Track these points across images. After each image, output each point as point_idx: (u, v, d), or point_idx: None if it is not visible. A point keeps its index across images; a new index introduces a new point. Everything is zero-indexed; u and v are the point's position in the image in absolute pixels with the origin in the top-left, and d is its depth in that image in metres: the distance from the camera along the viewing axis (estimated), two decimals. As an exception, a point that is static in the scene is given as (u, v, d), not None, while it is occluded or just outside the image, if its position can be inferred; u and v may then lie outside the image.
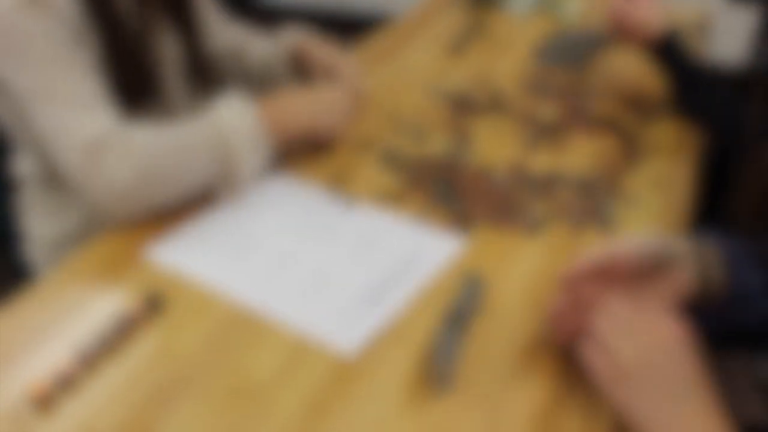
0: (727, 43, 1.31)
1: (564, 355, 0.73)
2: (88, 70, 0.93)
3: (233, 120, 0.93)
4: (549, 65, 1.33)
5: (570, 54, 1.34)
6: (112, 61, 0.98)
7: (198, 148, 0.91)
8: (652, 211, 0.95)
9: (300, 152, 1.07)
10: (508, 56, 1.38)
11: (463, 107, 1.19)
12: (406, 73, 1.34)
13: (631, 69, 1.26)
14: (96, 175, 0.88)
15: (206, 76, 1.15)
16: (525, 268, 0.85)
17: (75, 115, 0.89)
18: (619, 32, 1.17)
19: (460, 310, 0.77)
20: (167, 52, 1.08)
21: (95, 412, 0.69)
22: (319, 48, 1.17)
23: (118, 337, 0.76)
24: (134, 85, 1.02)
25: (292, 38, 1.20)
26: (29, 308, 0.82)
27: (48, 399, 0.70)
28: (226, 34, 1.23)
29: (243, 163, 0.93)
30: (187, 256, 0.88)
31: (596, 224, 0.92)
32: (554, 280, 0.83)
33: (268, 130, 0.95)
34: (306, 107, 1.03)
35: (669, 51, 1.12)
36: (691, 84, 1.11)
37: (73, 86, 0.91)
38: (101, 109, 0.91)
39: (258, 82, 1.24)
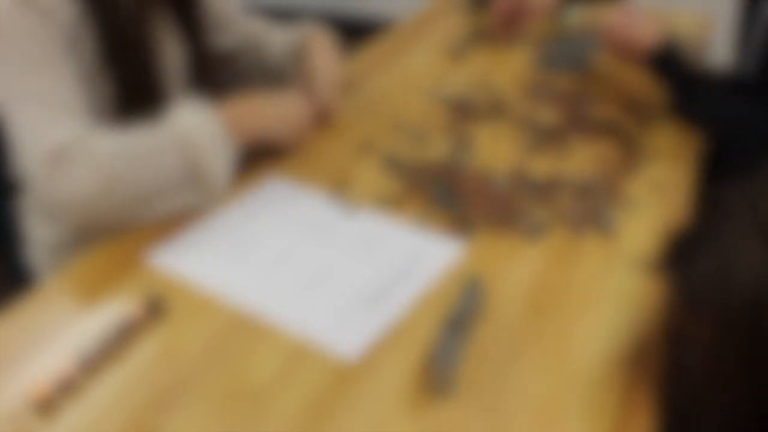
0: (726, 48, 1.31)
1: (564, 358, 0.74)
2: (70, 75, 0.92)
3: (194, 123, 0.92)
4: (549, 70, 1.33)
5: (570, 59, 1.35)
6: (111, 64, 0.98)
7: (162, 154, 0.89)
8: (652, 215, 0.95)
9: (300, 156, 1.07)
10: (509, 61, 1.38)
11: (464, 111, 1.20)
12: (406, 77, 1.34)
13: (631, 74, 1.26)
14: (58, 184, 0.87)
15: (210, 78, 1.15)
16: (525, 273, 0.86)
17: (44, 120, 0.89)
18: (614, 50, 1.17)
19: (460, 314, 0.77)
20: (170, 53, 1.08)
21: (96, 416, 0.69)
22: (316, 50, 1.17)
23: (119, 342, 0.76)
24: (134, 88, 1.02)
25: (303, 34, 1.20)
26: (31, 312, 0.82)
27: (49, 403, 0.70)
28: (243, 27, 1.22)
29: (210, 165, 0.92)
30: (188, 260, 0.88)
31: (596, 229, 0.92)
32: (554, 284, 0.83)
33: (229, 131, 0.95)
34: (263, 111, 1.02)
35: (666, 64, 1.11)
36: (691, 94, 1.11)
37: (49, 90, 0.90)
38: (73, 115, 0.90)
39: (276, 76, 1.24)
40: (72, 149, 0.87)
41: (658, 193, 0.99)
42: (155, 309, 0.80)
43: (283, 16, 1.38)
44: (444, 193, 0.98)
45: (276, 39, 1.23)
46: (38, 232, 1.10)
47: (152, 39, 1.04)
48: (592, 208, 0.96)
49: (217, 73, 1.17)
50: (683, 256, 0.60)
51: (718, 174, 1.14)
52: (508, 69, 1.35)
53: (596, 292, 0.83)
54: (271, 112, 1.04)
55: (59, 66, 0.92)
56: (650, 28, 1.12)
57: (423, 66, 1.38)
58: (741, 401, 0.54)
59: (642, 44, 1.12)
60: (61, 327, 0.80)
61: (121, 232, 0.92)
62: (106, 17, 0.96)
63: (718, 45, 1.34)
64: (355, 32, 1.81)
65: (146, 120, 0.95)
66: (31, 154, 0.89)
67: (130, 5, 1.00)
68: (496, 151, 1.08)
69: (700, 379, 0.57)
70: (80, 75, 0.95)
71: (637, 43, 1.12)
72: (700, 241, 0.58)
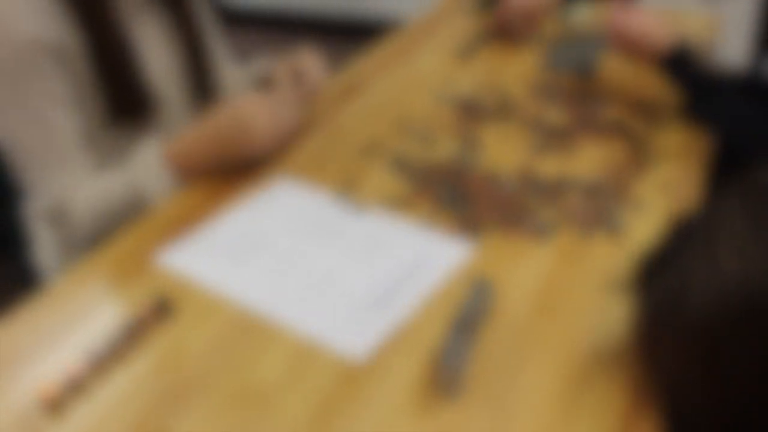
0: (734, 47, 1.31)
1: (572, 360, 0.73)
2: (68, 112, 0.98)
3: (151, 176, 0.98)
4: (557, 70, 1.33)
5: (578, 59, 1.34)
6: (102, 77, 1.00)
7: (120, 207, 0.99)
8: (660, 216, 0.95)
9: (308, 157, 1.07)
10: (516, 61, 1.38)
11: (472, 112, 1.20)
12: (414, 77, 1.34)
13: (639, 74, 1.26)
14: (45, 238, 1.07)
15: (208, 86, 1.15)
16: (533, 273, 0.85)
17: (44, 173, 0.99)
18: (622, 49, 1.16)
19: (468, 315, 0.77)
20: (162, 61, 1.08)
21: (105, 416, 0.70)
22: (283, 62, 1.18)
23: (127, 342, 0.77)
24: (127, 99, 1.03)
25: (264, 66, 1.22)
26: (39, 313, 0.83)
27: (58, 402, 0.70)
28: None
29: (153, 200, 0.99)
30: (196, 260, 0.88)
31: (604, 229, 0.92)
32: (562, 284, 0.83)
33: (177, 171, 1.00)
34: (223, 140, 0.99)
35: (680, 65, 1.11)
36: (703, 96, 1.10)
37: (49, 138, 0.97)
38: (67, 163, 0.99)
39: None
40: (59, 212, 0.99)
41: (667, 194, 0.99)
42: (163, 309, 0.80)
43: (290, 17, 1.38)
44: (451, 193, 0.98)
45: (231, 80, 1.25)
46: (45, 234, 1.11)
47: (142, 47, 1.05)
48: (600, 209, 0.95)
49: (214, 79, 1.18)
50: (650, 275, 0.62)
51: (728, 176, 1.13)
52: (515, 69, 1.35)
53: (604, 293, 0.82)
54: (237, 134, 0.98)
55: (59, 106, 0.96)
56: (663, 29, 1.11)
57: (430, 67, 1.38)
58: (709, 411, 0.56)
59: (654, 45, 1.11)
60: (69, 327, 0.80)
61: (129, 233, 0.93)
62: (93, 31, 0.98)
63: (729, 45, 1.34)
64: (362, 33, 1.81)
65: (141, 131, 1.01)
66: (36, 202, 1.03)
67: (118, 16, 1.00)
68: (503, 152, 1.08)
69: (675, 387, 0.59)
70: (74, 95, 0.98)
71: (649, 43, 1.11)
72: (665, 261, 0.60)
